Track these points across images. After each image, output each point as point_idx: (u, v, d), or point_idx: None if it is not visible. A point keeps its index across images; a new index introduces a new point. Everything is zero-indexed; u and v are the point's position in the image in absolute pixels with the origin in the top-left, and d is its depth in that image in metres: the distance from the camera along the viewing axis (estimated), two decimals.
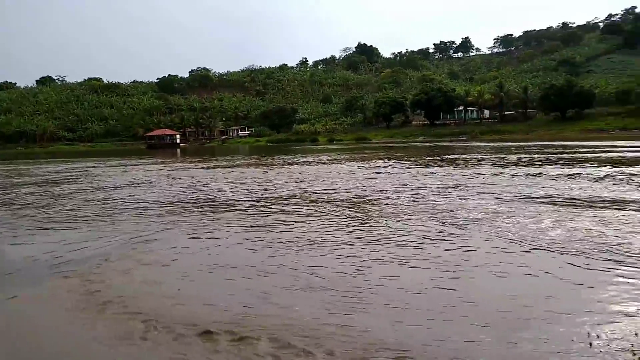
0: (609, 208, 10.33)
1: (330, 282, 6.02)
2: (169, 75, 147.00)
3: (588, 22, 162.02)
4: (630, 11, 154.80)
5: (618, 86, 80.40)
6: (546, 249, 7.21)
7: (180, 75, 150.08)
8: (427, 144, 57.00)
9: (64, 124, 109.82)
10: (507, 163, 23.73)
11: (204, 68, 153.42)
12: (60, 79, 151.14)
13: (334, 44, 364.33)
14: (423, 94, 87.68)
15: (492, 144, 50.65)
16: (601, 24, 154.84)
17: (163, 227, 9.94)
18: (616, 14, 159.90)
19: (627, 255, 6.70)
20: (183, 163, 34.70)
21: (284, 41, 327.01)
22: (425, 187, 14.84)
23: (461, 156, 30.61)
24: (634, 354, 3.93)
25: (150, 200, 14.20)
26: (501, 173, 18.70)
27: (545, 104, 75.62)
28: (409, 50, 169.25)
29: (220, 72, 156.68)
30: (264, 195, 14.48)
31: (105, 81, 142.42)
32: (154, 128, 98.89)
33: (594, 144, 40.03)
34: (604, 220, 9.01)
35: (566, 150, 32.65)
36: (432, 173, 19.71)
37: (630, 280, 5.71)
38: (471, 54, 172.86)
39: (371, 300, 5.36)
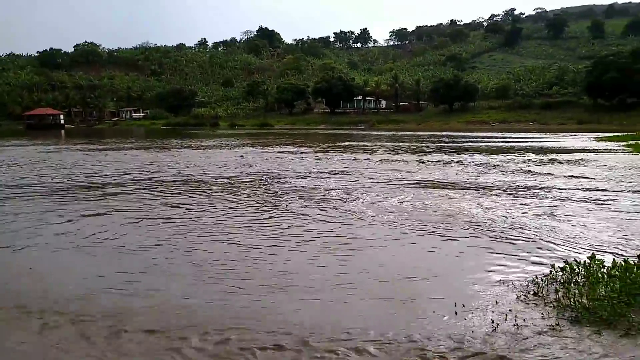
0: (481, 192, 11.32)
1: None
2: (51, 49, 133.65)
3: (473, 21, 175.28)
4: (510, 12, 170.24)
5: (498, 82, 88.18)
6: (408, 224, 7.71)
7: (64, 50, 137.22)
8: (328, 132, 58.14)
9: None
10: (399, 150, 25.01)
11: (91, 43, 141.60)
12: None
13: (234, 25, 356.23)
14: (324, 82, 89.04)
15: (388, 132, 53.01)
16: (485, 23, 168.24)
17: (35, 210, 9.07)
18: (498, 15, 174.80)
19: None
20: (66, 145, 31.92)
21: (182, 19, 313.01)
22: (315, 172, 15.14)
23: (358, 143, 31.66)
24: (493, 322, 4.29)
25: (22, 184, 12.87)
26: (391, 160, 19.65)
27: (435, 97, 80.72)
28: (310, 38, 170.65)
29: (110, 48, 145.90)
30: (149, 178, 13.81)
31: None
32: (33, 107, 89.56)
33: (477, 135, 43.62)
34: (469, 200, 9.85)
35: (455, 140, 35.23)
36: (329, 159, 20.17)
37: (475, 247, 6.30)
38: (369, 45, 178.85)
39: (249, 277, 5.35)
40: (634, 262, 4.96)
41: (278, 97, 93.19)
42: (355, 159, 20.36)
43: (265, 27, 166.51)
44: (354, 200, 10.31)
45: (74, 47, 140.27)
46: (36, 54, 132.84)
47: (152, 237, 7.47)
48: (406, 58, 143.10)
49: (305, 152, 24.02)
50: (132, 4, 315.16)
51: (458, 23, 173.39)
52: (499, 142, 32.49)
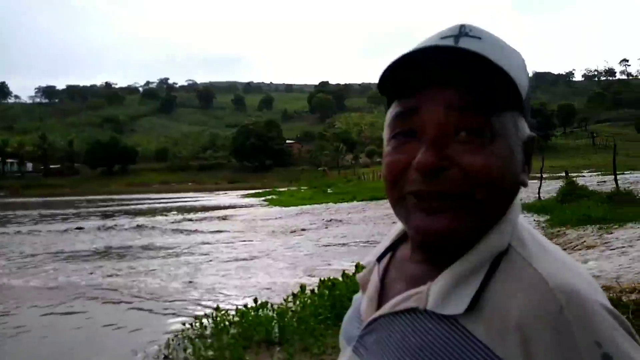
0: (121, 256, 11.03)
1: None
2: None
3: (129, 85, 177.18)
4: (164, 81, 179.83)
5: (157, 145, 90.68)
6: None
7: None
8: None
9: None
10: (47, 218, 22.11)
11: None
12: None
13: None
14: None
15: (38, 199, 46.42)
16: (141, 89, 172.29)
17: None
18: (153, 82, 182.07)
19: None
20: None
21: None
22: None
23: None
24: None
25: None
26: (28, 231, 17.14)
27: (92, 159, 76.39)
28: None
29: None
30: None
31: None
32: None
33: (139, 197, 43.03)
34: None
35: (114, 203, 33.62)
36: None
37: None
38: (10, 101, 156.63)
39: None
40: (250, 307, 5.57)
41: None
42: None
43: None
44: None
45: None
46: None
47: None
48: (57, 117, 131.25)
49: None
50: None
51: (114, 86, 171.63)
52: (159, 203, 32.87)
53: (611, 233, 7.86)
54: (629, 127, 79.28)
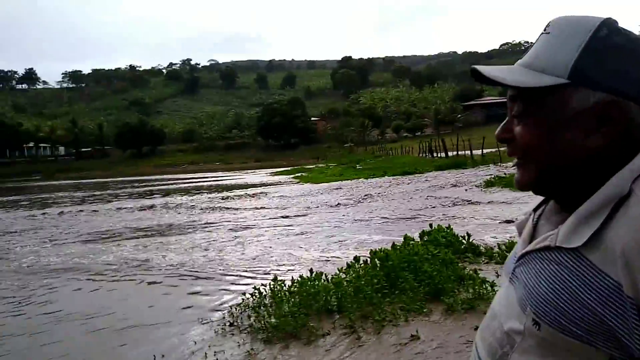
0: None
1: None
2: None
3: (153, 67, 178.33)
4: (187, 62, 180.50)
5: (184, 126, 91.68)
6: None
7: None
8: None
9: None
10: (86, 200, 22.85)
11: None
12: None
13: None
14: None
15: (71, 182, 47.84)
16: (164, 71, 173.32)
17: None
18: (176, 63, 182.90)
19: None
20: None
21: None
22: None
23: (33, 197, 27.37)
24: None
25: None
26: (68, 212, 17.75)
27: (122, 142, 77.81)
28: None
29: None
30: None
31: None
32: None
33: (169, 177, 43.88)
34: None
35: (148, 184, 34.40)
36: None
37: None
38: (38, 86, 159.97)
39: None
40: (306, 278, 5.75)
41: None
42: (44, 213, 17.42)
43: None
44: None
45: None
46: None
47: None
48: (84, 101, 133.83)
49: None
50: None
51: (137, 68, 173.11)
52: (190, 182, 33.49)
53: None
54: None
